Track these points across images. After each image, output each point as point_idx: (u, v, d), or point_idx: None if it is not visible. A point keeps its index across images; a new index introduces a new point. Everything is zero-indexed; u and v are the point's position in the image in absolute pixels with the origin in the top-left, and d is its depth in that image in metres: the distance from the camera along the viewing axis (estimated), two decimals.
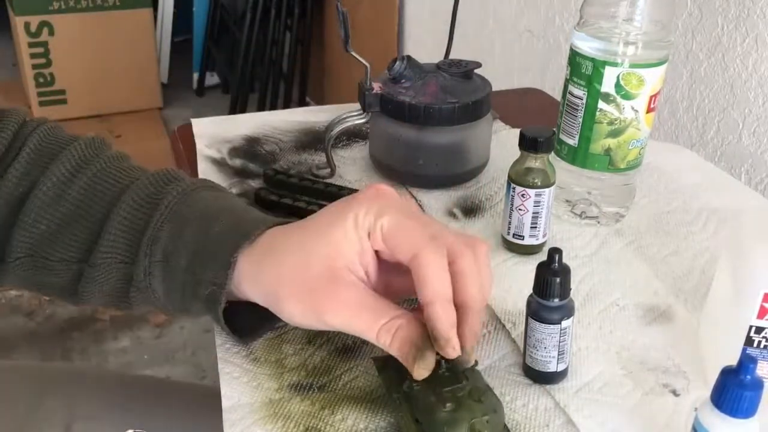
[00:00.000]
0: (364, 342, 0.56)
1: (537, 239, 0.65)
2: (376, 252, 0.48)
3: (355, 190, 0.74)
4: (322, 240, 0.47)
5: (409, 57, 0.74)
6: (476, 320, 0.46)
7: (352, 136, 0.86)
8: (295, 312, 0.48)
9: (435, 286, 0.45)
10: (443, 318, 0.45)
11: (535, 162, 0.63)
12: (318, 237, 0.48)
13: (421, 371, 0.45)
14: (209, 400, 0.63)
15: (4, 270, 0.55)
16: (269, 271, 0.48)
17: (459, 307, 0.46)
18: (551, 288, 0.49)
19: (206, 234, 0.50)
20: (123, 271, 0.53)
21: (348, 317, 0.46)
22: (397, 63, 0.74)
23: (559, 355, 0.51)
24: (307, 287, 0.47)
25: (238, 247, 0.49)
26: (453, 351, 0.45)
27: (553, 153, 0.68)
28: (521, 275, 0.63)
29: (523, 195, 0.63)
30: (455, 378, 0.47)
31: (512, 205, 0.64)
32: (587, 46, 0.65)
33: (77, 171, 0.55)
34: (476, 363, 0.47)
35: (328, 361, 0.54)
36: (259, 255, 0.49)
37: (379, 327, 0.46)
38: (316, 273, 0.47)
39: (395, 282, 0.51)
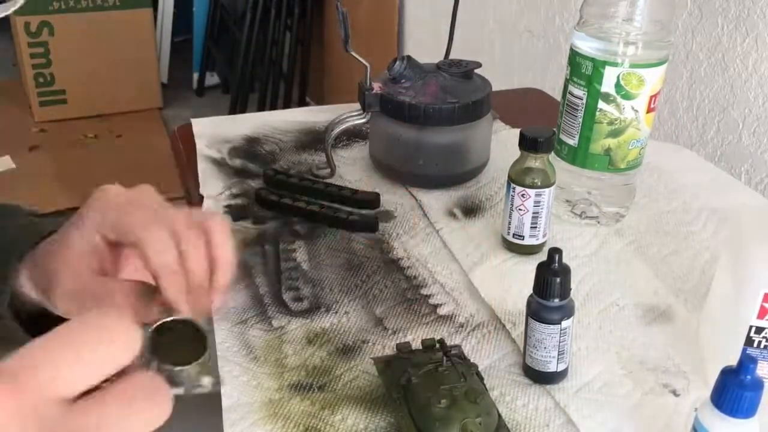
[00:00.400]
0: (364, 342, 0.56)
1: (537, 239, 0.65)
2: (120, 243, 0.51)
3: (356, 191, 0.74)
4: (61, 241, 0.51)
5: (409, 57, 0.74)
6: (199, 296, 0.48)
7: (352, 136, 0.86)
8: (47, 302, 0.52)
9: (156, 259, 0.47)
10: (168, 286, 0.47)
11: (535, 162, 0.63)
12: (59, 240, 0.52)
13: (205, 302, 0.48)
14: (212, 396, 0.63)
15: None
16: (47, 268, 0.52)
17: (190, 281, 0.48)
18: (551, 288, 0.49)
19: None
20: None
21: (71, 295, 0.50)
22: (397, 63, 0.74)
23: (559, 355, 0.51)
24: (48, 277, 0.51)
25: (21, 249, 0.53)
26: (185, 311, 0.47)
27: (553, 153, 0.68)
28: (521, 275, 0.63)
29: (523, 195, 0.63)
30: (455, 377, 0.47)
31: (512, 205, 0.64)
32: (587, 46, 0.65)
33: None
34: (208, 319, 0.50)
35: (328, 361, 0.54)
36: (40, 255, 0.53)
37: (103, 297, 0.49)
38: (54, 266, 0.50)
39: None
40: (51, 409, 0.27)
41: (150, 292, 0.49)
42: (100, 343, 0.28)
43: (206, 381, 0.43)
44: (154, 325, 0.43)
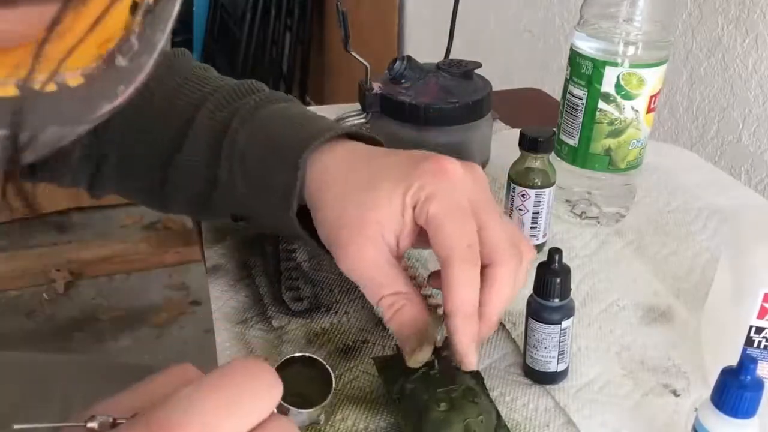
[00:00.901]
0: (364, 342, 0.56)
1: (537, 239, 0.65)
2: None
3: None
4: (370, 190, 0.47)
5: (409, 57, 0.74)
6: (488, 332, 0.46)
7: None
8: (324, 240, 0.49)
9: (459, 299, 0.44)
10: (462, 332, 0.44)
11: (535, 162, 0.63)
12: (365, 187, 0.47)
13: (416, 361, 0.45)
14: None
15: (99, 178, 0.60)
16: (327, 179, 0.49)
17: (479, 311, 0.45)
18: (551, 288, 0.49)
19: (279, 135, 0.52)
20: (206, 175, 0.55)
21: (356, 269, 0.47)
22: (397, 63, 0.74)
23: (559, 355, 0.51)
24: (338, 224, 0.47)
25: (305, 149, 0.49)
26: (469, 365, 0.44)
27: (553, 153, 0.68)
28: None
29: (523, 195, 0.63)
30: (449, 379, 0.47)
31: (512, 205, 0.64)
32: (587, 46, 0.65)
33: (163, 79, 0.58)
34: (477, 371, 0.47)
35: (328, 361, 0.53)
36: (317, 178, 0.50)
37: (381, 296, 0.46)
38: (349, 217, 0.47)
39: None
40: None
41: (438, 322, 0.46)
42: (249, 396, 0.28)
43: (322, 418, 0.43)
44: (282, 360, 0.42)
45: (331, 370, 0.42)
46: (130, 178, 0.61)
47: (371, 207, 0.46)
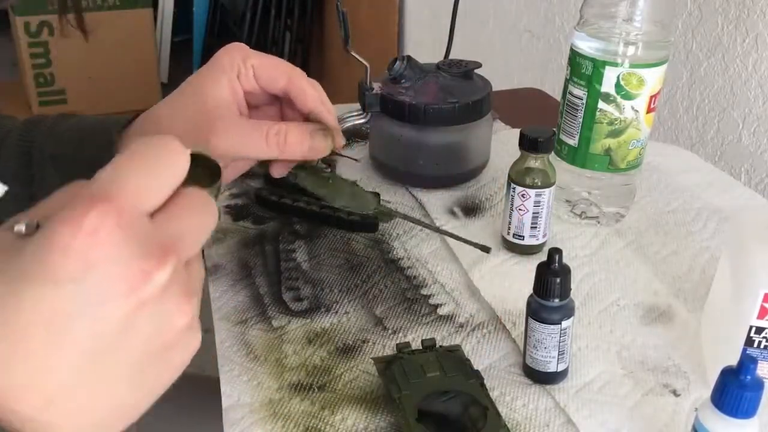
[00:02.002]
0: (364, 342, 0.56)
1: (537, 239, 0.65)
2: (246, 95, 0.56)
3: None
4: (195, 94, 0.54)
5: (409, 57, 0.74)
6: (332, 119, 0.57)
7: (352, 136, 0.86)
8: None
9: (314, 92, 0.55)
10: (331, 113, 0.55)
11: (535, 162, 0.63)
12: (191, 94, 0.55)
13: (339, 141, 0.56)
14: (209, 391, 0.63)
15: None
16: (150, 130, 0.55)
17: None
18: (551, 288, 0.49)
19: (81, 140, 0.57)
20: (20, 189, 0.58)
21: (232, 137, 0.53)
22: (397, 63, 0.74)
23: (559, 355, 0.51)
24: (193, 135, 0.53)
25: (113, 131, 0.55)
26: (341, 139, 0.56)
27: (553, 153, 0.68)
28: (521, 275, 0.63)
29: (523, 195, 0.63)
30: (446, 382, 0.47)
31: (512, 205, 0.64)
32: (587, 46, 0.65)
33: None
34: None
35: (328, 361, 0.54)
36: (140, 129, 0.55)
37: (265, 133, 0.53)
38: (195, 122, 0.53)
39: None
40: (143, 223, 0.29)
41: (317, 129, 0.55)
42: (164, 160, 0.31)
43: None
44: None
45: (215, 160, 0.43)
46: None
47: (202, 98, 0.54)
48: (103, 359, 0.28)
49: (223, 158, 0.53)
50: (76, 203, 0.28)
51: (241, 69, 0.54)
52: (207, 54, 3.12)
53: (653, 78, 0.64)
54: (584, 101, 0.66)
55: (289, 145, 0.53)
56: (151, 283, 0.28)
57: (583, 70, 0.65)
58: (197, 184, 0.35)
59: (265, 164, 0.58)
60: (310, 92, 0.55)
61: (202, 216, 0.32)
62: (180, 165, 0.31)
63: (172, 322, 0.30)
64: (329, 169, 0.56)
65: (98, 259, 0.27)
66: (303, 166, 0.59)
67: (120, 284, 0.28)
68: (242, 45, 0.56)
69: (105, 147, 0.54)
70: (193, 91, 0.55)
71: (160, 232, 0.30)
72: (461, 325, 0.58)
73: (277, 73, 0.55)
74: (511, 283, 0.63)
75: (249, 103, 0.56)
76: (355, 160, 0.59)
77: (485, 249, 0.65)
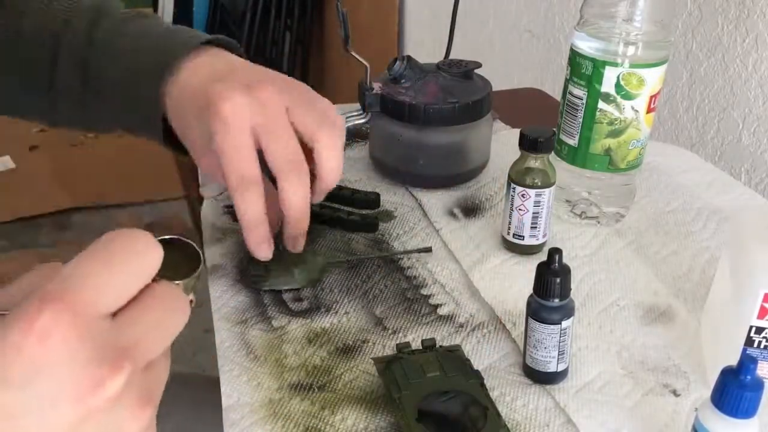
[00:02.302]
0: (364, 342, 0.56)
1: (537, 239, 0.65)
2: None
3: (356, 191, 0.74)
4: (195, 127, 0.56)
5: (409, 57, 0.74)
6: (290, 227, 0.56)
7: (352, 136, 0.86)
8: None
9: (287, 205, 0.54)
10: (248, 238, 0.55)
11: (535, 162, 0.63)
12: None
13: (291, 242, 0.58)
14: (209, 390, 0.63)
15: None
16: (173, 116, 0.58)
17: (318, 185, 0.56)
18: (551, 288, 0.49)
19: (136, 66, 0.58)
20: (83, 98, 0.61)
21: (214, 174, 0.56)
22: (397, 63, 0.74)
23: (559, 355, 0.51)
24: (186, 140, 0.57)
25: (159, 87, 0.57)
26: (296, 247, 0.58)
27: (553, 153, 0.68)
28: (521, 275, 0.63)
29: (523, 195, 0.63)
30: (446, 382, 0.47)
31: (512, 205, 0.64)
32: (587, 46, 0.65)
33: (22, 12, 0.62)
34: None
35: (328, 361, 0.54)
36: (175, 101, 0.57)
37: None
38: (191, 138, 0.57)
39: None
40: (100, 325, 0.28)
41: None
42: (131, 256, 0.30)
43: (192, 297, 0.42)
44: None
45: (197, 248, 0.42)
46: (16, 112, 0.66)
47: (189, 131, 0.57)
48: None
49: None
50: (32, 300, 0.27)
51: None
52: None
53: (653, 78, 0.64)
54: (584, 101, 0.66)
55: (238, 214, 0.53)
56: (103, 392, 0.27)
57: (583, 70, 0.65)
58: (173, 273, 0.34)
59: None
60: (285, 201, 0.54)
61: (169, 314, 0.31)
62: (150, 261, 0.30)
63: (123, 431, 0.29)
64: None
65: (49, 362, 0.26)
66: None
67: (70, 390, 0.27)
68: (215, 110, 0.53)
69: (151, 100, 0.57)
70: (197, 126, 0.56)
71: (119, 334, 0.29)
72: (461, 325, 0.58)
73: (274, 160, 0.53)
74: (511, 283, 0.63)
75: None
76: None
77: (426, 250, 0.66)
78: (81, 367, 0.27)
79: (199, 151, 0.57)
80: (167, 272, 0.32)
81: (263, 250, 0.55)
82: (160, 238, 0.41)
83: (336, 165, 0.55)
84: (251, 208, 0.53)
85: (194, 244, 0.42)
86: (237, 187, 0.52)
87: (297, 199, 0.53)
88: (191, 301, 0.43)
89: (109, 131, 0.65)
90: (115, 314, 0.29)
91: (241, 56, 0.61)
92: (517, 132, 0.64)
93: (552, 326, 0.49)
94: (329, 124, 0.55)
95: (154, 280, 0.31)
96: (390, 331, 0.57)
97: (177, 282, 0.39)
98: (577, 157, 0.68)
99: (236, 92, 0.52)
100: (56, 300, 0.27)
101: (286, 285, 0.61)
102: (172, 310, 0.31)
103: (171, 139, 0.60)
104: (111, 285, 0.29)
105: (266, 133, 0.52)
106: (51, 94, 0.62)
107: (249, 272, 0.61)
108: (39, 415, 0.26)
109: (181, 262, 0.41)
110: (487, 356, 0.55)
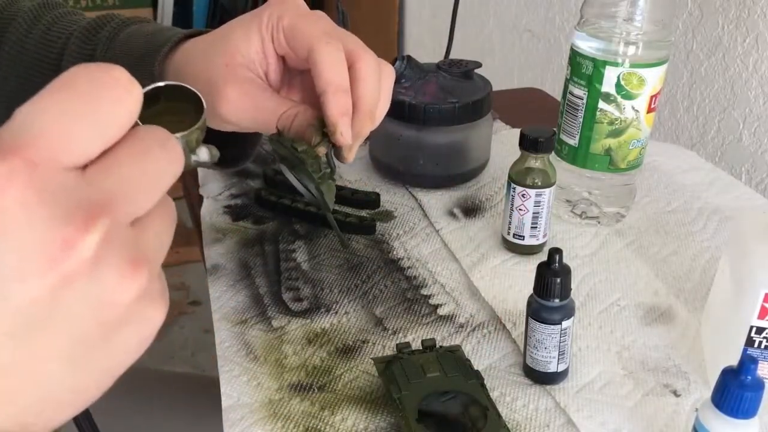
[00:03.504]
0: (364, 342, 0.56)
1: (537, 239, 0.65)
2: (284, 60, 0.50)
3: (355, 191, 0.74)
4: (223, 41, 0.49)
5: (409, 57, 0.74)
6: (363, 123, 0.48)
7: None
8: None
9: (328, 75, 0.46)
10: (333, 105, 0.46)
11: (535, 162, 0.63)
12: (220, 39, 0.50)
13: (343, 150, 0.48)
14: (210, 390, 0.64)
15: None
16: (183, 79, 0.50)
17: (353, 106, 0.47)
18: (552, 288, 0.49)
19: (130, 54, 0.54)
20: None
21: (244, 109, 0.48)
22: (397, 63, 0.73)
23: (559, 355, 0.50)
24: (208, 87, 0.48)
25: (154, 61, 0.51)
26: (340, 137, 0.46)
27: (553, 153, 0.68)
28: (521, 275, 0.63)
29: (523, 195, 0.63)
30: (447, 382, 0.47)
31: (512, 205, 0.64)
32: (587, 45, 0.65)
33: (32, 26, 0.60)
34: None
35: (328, 361, 0.54)
36: (177, 65, 0.52)
37: (278, 116, 0.47)
38: (215, 72, 0.48)
39: (300, 92, 0.53)
40: (65, 178, 0.23)
41: (312, 124, 0.47)
42: (102, 95, 0.24)
43: (205, 154, 0.38)
44: (144, 90, 0.34)
45: (198, 92, 0.37)
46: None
47: (230, 52, 0.48)
48: (28, 342, 0.23)
49: (228, 125, 0.49)
50: None
51: (274, 30, 0.48)
52: None
53: (654, 78, 0.64)
54: (584, 101, 0.66)
55: (293, 130, 0.47)
56: (75, 253, 0.23)
57: (583, 69, 0.65)
58: (172, 126, 0.28)
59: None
60: (325, 72, 0.46)
61: (156, 161, 0.26)
62: (127, 103, 0.25)
63: (112, 298, 0.24)
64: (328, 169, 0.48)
65: (7, 227, 0.22)
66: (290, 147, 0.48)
67: (37, 257, 0.22)
68: (293, 2, 0.49)
69: (147, 77, 0.51)
70: (221, 39, 0.49)
71: (91, 187, 0.24)
72: (461, 326, 0.58)
73: (305, 39, 0.47)
74: (511, 283, 0.63)
75: (292, 69, 0.51)
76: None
77: (344, 244, 0.66)
78: (45, 229, 0.22)
79: (226, 83, 0.48)
80: (168, 123, 0.27)
81: (345, 123, 0.47)
82: (155, 85, 0.35)
83: (376, 87, 0.48)
84: (341, 62, 0.46)
85: (196, 91, 0.36)
86: (327, 37, 0.46)
87: (368, 69, 0.47)
88: (206, 161, 0.37)
89: None
90: (87, 166, 0.24)
91: None
92: (517, 132, 0.64)
93: (552, 326, 0.49)
94: (367, 48, 0.49)
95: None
96: (390, 332, 0.57)
97: (176, 135, 0.33)
98: (578, 157, 0.68)
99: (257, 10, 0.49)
100: (8, 152, 0.22)
101: (308, 186, 0.49)
102: (159, 154, 0.26)
103: None
104: (77, 131, 0.24)
105: (297, 19, 0.48)
106: None
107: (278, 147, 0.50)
108: (7, 289, 0.22)
109: (184, 113, 0.36)
110: (487, 356, 0.55)
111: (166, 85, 0.36)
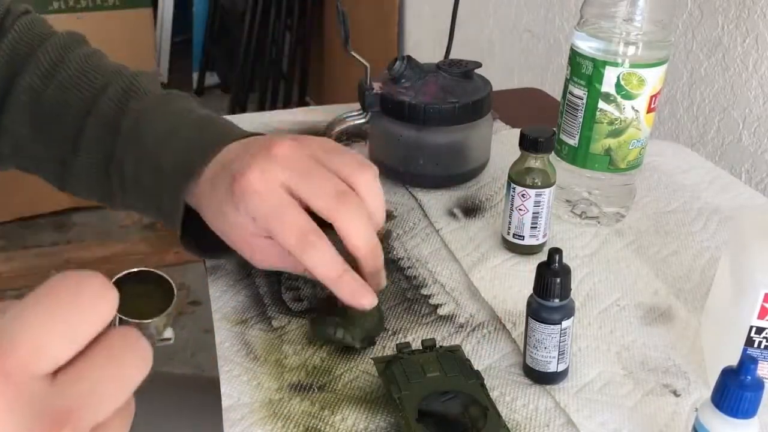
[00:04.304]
0: None
1: (537, 239, 0.65)
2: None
3: None
4: (222, 215, 0.53)
5: (409, 57, 0.74)
6: (368, 266, 0.51)
7: (352, 136, 0.86)
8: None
9: (353, 243, 0.49)
10: (341, 292, 0.49)
11: (535, 162, 0.63)
12: (218, 210, 0.53)
13: (375, 281, 0.52)
14: (209, 391, 0.63)
15: (2, 163, 0.63)
16: (206, 220, 0.55)
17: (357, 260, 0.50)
18: (551, 288, 0.49)
19: (158, 167, 0.56)
20: (103, 179, 0.59)
21: (271, 263, 0.54)
22: (397, 63, 0.74)
23: (559, 355, 0.51)
24: (230, 242, 0.54)
25: (183, 190, 0.54)
26: (382, 280, 0.53)
27: (553, 153, 0.68)
28: (521, 275, 0.63)
29: (523, 195, 0.63)
30: (447, 382, 0.47)
31: (512, 205, 0.64)
32: (587, 46, 0.65)
33: (50, 74, 0.59)
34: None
35: (328, 361, 0.54)
36: (199, 197, 0.54)
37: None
38: (233, 238, 0.54)
39: None
40: (38, 387, 0.25)
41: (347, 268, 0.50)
42: (78, 304, 0.26)
43: (169, 333, 0.40)
44: (115, 277, 0.37)
45: (170, 279, 0.39)
46: (30, 168, 0.64)
47: (228, 229, 0.53)
48: None
49: (262, 266, 0.55)
50: None
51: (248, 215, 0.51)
52: (207, 54, 3.12)
53: (653, 78, 0.64)
54: (584, 101, 0.66)
55: (317, 274, 0.49)
56: None
57: (583, 70, 0.65)
58: (147, 309, 0.31)
59: None
60: (352, 238, 0.48)
61: (125, 365, 0.27)
62: (102, 309, 0.26)
63: None
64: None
65: None
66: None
67: None
68: (236, 182, 0.50)
69: (172, 205, 0.55)
70: (227, 211, 0.52)
71: (58, 396, 0.25)
72: (461, 326, 0.58)
73: (320, 201, 0.49)
74: (511, 283, 0.63)
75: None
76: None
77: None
78: None
79: (244, 242, 0.53)
80: (140, 308, 0.30)
81: (366, 297, 0.49)
82: (128, 271, 0.38)
83: (381, 202, 0.51)
84: (325, 258, 0.48)
85: (168, 278, 0.39)
86: (300, 245, 0.48)
87: (362, 230, 0.48)
88: (169, 339, 0.40)
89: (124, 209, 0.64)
90: (59, 371, 0.26)
91: None
92: (517, 132, 0.64)
93: (552, 326, 0.49)
94: (365, 165, 0.51)
95: (120, 321, 0.27)
96: (390, 332, 0.57)
97: (147, 321, 0.36)
98: (577, 157, 0.68)
99: (255, 159, 0.49)
100: None
101: (351, 340, 0.53)
102: (128, 360, 0.27)
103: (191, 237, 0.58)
104: (51, 340, 0.25)
105: (300, 179, 0.48)
106: (70, 161, 0.60)
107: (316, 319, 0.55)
108: None
109: (156, 296, 0.38)
110: (487, 356, 0.55)
111: (140, 270, 0.39)
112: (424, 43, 1.98)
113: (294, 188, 0.49)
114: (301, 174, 0.49)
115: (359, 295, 0.49)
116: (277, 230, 0.48)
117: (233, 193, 0.50)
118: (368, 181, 0.50)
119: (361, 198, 0.50)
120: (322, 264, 0.48)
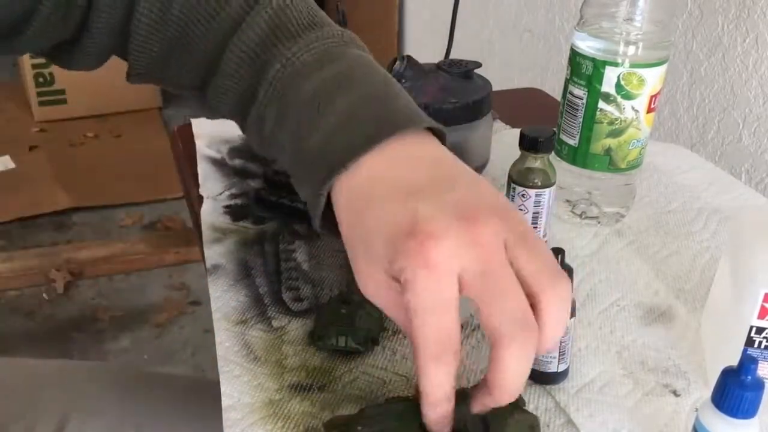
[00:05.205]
0: None
1: None
2: None
3: None
4: (362, 254, 0.42)
5: (409, 57, 0.74)
6: (491, 404, 0.41)
7: None
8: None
9: (501, 383, 0.39)
10: (489, 402, 0.40)
11: (535, 162, 0.63)
12: (363, 243, 0.42)
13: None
14: (209, 392, 0.63)
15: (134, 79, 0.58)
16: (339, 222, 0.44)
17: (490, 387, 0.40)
18: None
19: (303, 143, 0.46)
20: (241, 108, 0.53)
21: (383, 304, 0.42)
22: (397, 63, 0.73)
23: (559, 355, 0.51)
24: (350, 257, 0.43)
25: (328, 180, 0.43)
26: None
27: (553, 153, 0.68)
28: None
29: (523, 195, 0.63)
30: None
31: None
32: (587, 46, 0.65)
33: None
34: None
35: (328, 362, 0.54)
36: (347, 203, 0.43)
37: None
38: (358, 266, 0.43)
39: None
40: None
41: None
42: None
43: None
44: None
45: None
46: (163, 85, 0.59)
47: (362, 269, 0.42)
48: None
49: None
50: None
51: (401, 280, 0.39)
52: None
53: (653, 78, 0.64)
54: (584, 101, 0.66)
55: (422, 386, 0.39)
56: None
57: (583, 70, 0.65)
58: None
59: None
60: (505, 378, 0.38)
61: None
62: None
63: None
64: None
65: None
66: None
67: None
68: (424, 249, 0.37)
69: (314, 187, 0.44)
70: (371, 255, 0.41)
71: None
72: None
73: (494, 320, 0.38)
74: None
75: None
76: None
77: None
78: None
79: (369, 277, 0.42)
80: None
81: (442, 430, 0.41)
82: None
83: (559, 332, 0.40)
84: (445, 384, 0.39)
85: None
86: (433, 356, 0.38)
87: (520, 372, 0.38)
88: None
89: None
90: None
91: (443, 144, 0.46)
92: (517, 132, 0.64)
93: None
94: (560, 276, 0.40)
95: None
96: (390, 332, 0.57)
97: None
98: (577, 157, 0.68)
99: (449, 227, 0.38)
100: None
101: (354, 345, 0.53)
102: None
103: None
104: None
105: (485, 287, 0.38)
106: (247, 117, 0.53)
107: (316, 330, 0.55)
108: None
109: None
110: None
111: None
112: (424, 43, 1.98)
113: (472, 291, 0.39)
114: (489, 279, 0.38)
115: (439, 428, 0.41)
116: (418, 323, 0.38)
117: (401, 247, 0.38)
118: (557, 304, 0.39)
119: (541, 323, 0.39)
120: (438, 384, 0.39)
